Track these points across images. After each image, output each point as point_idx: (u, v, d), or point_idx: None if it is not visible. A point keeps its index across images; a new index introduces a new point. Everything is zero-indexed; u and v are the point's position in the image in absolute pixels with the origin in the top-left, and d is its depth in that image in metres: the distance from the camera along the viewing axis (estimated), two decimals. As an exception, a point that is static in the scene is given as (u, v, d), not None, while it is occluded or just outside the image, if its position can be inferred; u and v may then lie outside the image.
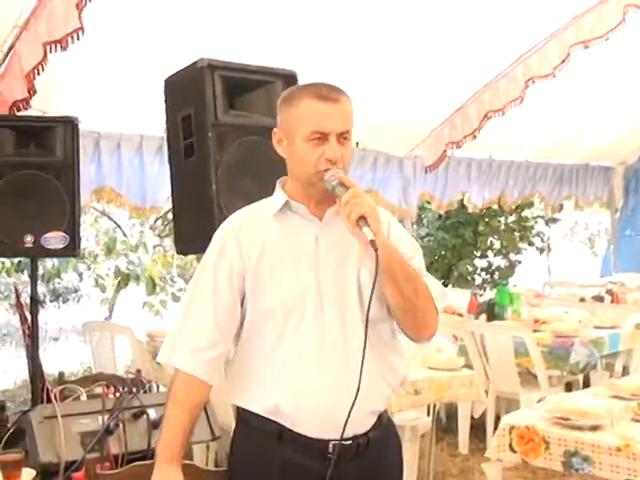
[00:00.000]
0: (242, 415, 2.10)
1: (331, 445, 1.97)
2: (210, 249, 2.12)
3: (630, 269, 8.47)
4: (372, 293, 1.89)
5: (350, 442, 1.99)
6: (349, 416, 1.90)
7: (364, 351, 1.90)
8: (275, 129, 2.07)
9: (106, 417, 2.76)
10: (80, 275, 8.51)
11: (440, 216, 9.16)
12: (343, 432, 1.91)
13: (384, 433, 2.09)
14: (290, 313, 1.98)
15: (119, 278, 7.81)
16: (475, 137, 6.04)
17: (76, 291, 9.34)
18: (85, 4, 3.41)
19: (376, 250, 1.84)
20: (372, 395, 1.99)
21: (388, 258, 1.89)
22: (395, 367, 2.08)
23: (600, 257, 10.36)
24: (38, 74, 3.80)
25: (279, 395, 1.99)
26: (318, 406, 1.97)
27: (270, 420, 2.00)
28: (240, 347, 2.10)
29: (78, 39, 3.53)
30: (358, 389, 1.89)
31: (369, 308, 1.90)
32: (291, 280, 1.97)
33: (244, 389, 2.07)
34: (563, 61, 5.39)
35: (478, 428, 5.19)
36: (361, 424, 2.00)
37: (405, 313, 1.99)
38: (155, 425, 2.83)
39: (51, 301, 9.35)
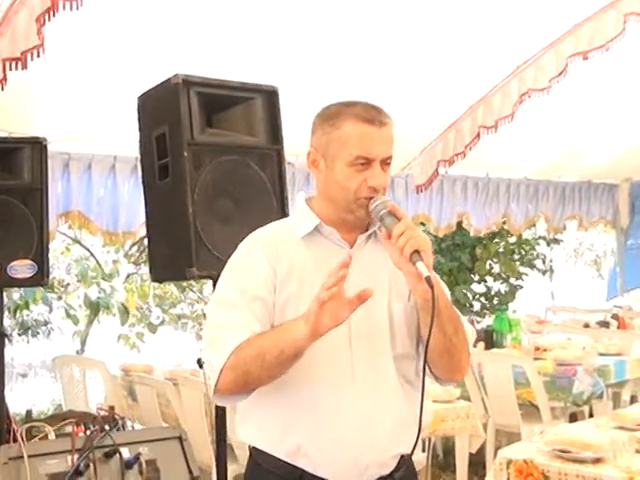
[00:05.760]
0: (255, 456, 2.07)
1: None
2: (233, 259, 2.09)
3: (638, 284, 8.51)
4: (429, 333, 1.88)
5: None
6: (414, 448, 1.96)
7: (423, 385, 1.93)
8: (310, 149, 2.06)
9: (76, 457, 2.77)
10: (50, 306, 8.50)
11: (436, 238, 9.19)
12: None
13: (407, 472, 2.09)
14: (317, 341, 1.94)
15: (89, 309, 7.80)
16: (465, 155, 6.09)
17: (46, 324, 9.31)
18: (46, 19, 3.44)
19: (432, 287, 1.84)
20: (403, 437, 1.99)
21: (437, 296, 1.87)
22: (425, 410, 2.05)
23: (607, 279, 10.39)
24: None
25: (302, 435, 1.97)
26: (345, 448, 1.96)
27: (289, 464, 1.99)
28: None
29: (38, 56, 3.56)
30: (420, 428, 1.91)
31: (427, 346, 1.89)
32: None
33: (260, 427, 2.04)
34: (560, 73, 5.45)
35: (477, 464, 5.19)
36: (387, 466, 2.01)
37: (443, 354, 2.00)
38: (128, 465, 2.84)
39: (19, 335, 9.31)
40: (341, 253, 2.02)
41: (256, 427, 2.05)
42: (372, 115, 2.00)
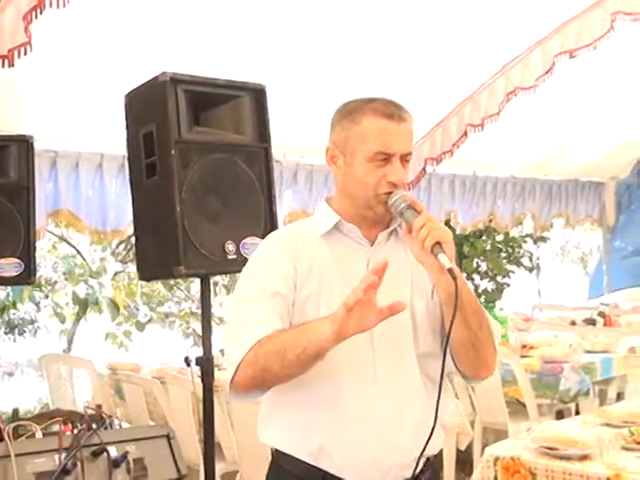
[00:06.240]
0: (277, 459, 2.06)
1: None
2: (254, 257, 2.09)
3: (624, 286, 8.53)
4: (451, 326, 1.86)
5: None
6: (420, 457, 1.93)
7: (441, 380, 1.91)
8: (329, 145, 2.06)
9: (63, 456, 2.76)
10: (37, 305, 8.47)
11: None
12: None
13: (431, 474, 2.09)
14: None
15: (77, 306, 7.77)
16: (452, 154, 6.11)
17: (33, 322, 9.28)
18: (33, 17, 3.43)
19: (455, 279, 1.82)
20: (426, 438, 1.95)
21: (460, 288, 1.86)
22: (448, 409, 2.07)
23: (589, 278, 10.42)
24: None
25: (324, 435, 1.96)
26: (367, 449, 1.95)
27: (312, 466, 1.98)
28: None
29: (25, 54, 3.55)
30: (433, 428, 1.89)
31: (447, 339, 1.88)
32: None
33: (282, 428, 2.03)
34: (547, 71, 5.47)
35: (464, 462, 5.20)
36: (410, 468, 1.99)
37: (468, 349, 1.98)
38: (116, 464, 2.84)
39: (6, 333, 9.28)
40: (361, 250, 2.03)
41: (278, 428, 2.04)
42: (391, 110, 2.00)
